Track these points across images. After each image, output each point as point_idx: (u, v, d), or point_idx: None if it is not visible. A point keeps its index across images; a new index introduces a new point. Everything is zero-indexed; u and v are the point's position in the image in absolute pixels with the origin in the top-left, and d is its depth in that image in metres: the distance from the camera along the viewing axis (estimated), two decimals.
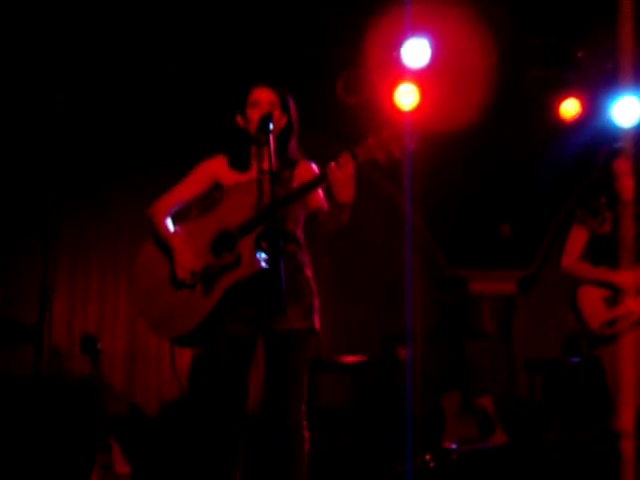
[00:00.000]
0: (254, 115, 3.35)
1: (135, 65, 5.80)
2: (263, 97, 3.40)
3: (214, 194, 3.47)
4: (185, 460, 5.36)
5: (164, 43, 5.67)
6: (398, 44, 5.82)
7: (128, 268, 6.06)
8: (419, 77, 6.00)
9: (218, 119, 6.01)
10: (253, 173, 3.36)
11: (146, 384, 6.12)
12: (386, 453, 5.43)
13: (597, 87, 6.28)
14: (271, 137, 3.18)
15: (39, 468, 4.35)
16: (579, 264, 4.47)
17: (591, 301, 4.38)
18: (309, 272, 3.40)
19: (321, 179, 3.16)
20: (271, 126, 3.22)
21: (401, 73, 5.98)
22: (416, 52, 5.80)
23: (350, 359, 5.68)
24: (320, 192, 3.33)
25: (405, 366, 6.07)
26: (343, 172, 3.06)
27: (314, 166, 3.44)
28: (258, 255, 3.17)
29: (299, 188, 3.25)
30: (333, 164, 3.08)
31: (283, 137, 3.41)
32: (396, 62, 5.90)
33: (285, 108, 3.43)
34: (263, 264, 3.16)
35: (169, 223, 3.45)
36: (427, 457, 4.30)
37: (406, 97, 6.00)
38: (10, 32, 5.36)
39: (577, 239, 4.51)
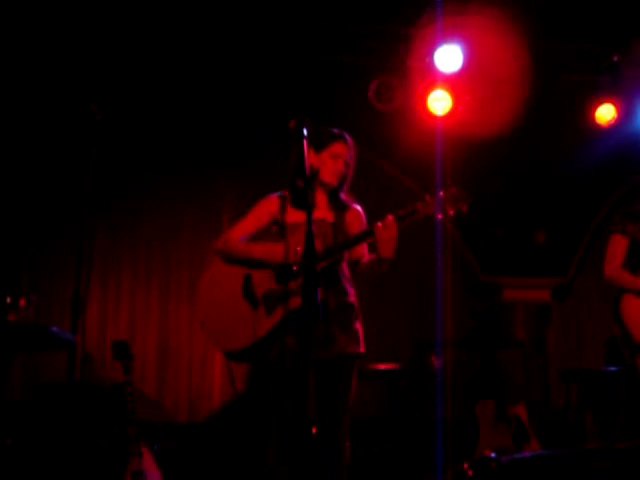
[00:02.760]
0: (331, 166, 3.67)
1: (166, 74, 5.84)
2: (344, 153, 3.70)
3: (272, 227, 3.75)
4: (216, 465, 5.36)
5: (195, 51, 5.69)
6: (431, 51, 5.79)
7: (162, 274, 6.17)
8: (452, 83, 5.98)
9: (242, 128, 6.09)
10: (316, 214, 3.55)
11: (177, 390, 6.12)
12: (419, 461, 5.39)
13: (633, 92, 6.21)
14: (305, 142, 3.21)
15: (72, 473, 4.35)
16: (622, 273, 4.41)
17: (635, 311, 4.32)
18: (356, 302, 3.67)
19: (368, 235, 3.44)
20: (305, 132, 3.23)
21: (434, 79, 5.96)
22: (449, 58, 5.77)
23: (383, 366, 5.65)
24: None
25: (438, 374, 6.04)
26: (388, 232, 3.36)
27: (361, 210, 3.79)
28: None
29: (349, 239, 3.57)
30: (380, 224, 3.37)
31: (340, 185, 3.73)
32: (429, 68, 5.88)
33: (350, 161, 3.74)
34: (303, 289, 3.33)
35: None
36: (465, 466, 4.24)
37: (439, 103, 5.97)
38: (45, 43, 5.42)
39: (618, 247, 4.45)
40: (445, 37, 5.69)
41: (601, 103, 6.22)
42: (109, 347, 5.03)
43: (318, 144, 3.67)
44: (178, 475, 5.25)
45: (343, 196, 3.76)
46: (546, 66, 5.96)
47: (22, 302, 4.70)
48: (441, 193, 3.43)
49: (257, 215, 3.77)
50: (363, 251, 3.68)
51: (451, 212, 3.43)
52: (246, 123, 6.20)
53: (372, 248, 3.52)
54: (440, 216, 3.42)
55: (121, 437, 4.75)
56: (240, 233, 3.74)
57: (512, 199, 6.73)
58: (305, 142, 3.20)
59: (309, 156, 3.64)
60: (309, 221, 3.02)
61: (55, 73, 5.61)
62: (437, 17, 5.55)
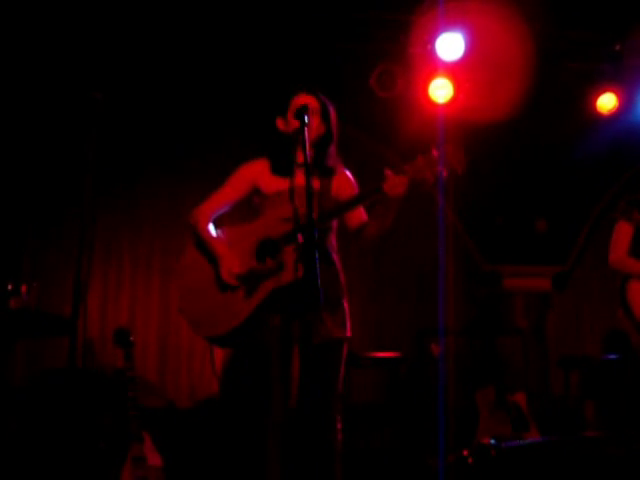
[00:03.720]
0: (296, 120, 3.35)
1: (170, 64, 5.83)
2: (308, 104, 3.40)
3: (253, 199, 3.55)
4: (216, 453, 5.37)
5: (199, 42, 5.69)
6: (432, 38, 5.78)
7: (163, 261, 6.17)
8: (453, 70, 5.97)
9: (249, 116, 6.08)
10: (295, 180, 3.35)
11: (178, 376, 6.13)
12: (420, 448, 5.41)
13: (634, 80, 6.21)
14: (306, 130, 3.16)
15: (72, 459, 4.37)
16: (627, 259, 4.44)
17: None
18: (342, 279, 3.47)
19: (375, 193, 3.21)
20: (306, 118, 3.20)
21: (435, 67, 5.95)
22: (450, 46, 5.76)
23: (383, 355, 5.66)
24: (360, 207, 3.41)
25: (438, 362, 6.05)
26: (398, 185, 3.15)
27: (350, 176, 3.53)
28: (300, 263, 3.20)
29: (352, 199, 3.32)
30: (390, 175, 3.15)
31: (322, 145, 3.46)
32: (430, 56, 5.87)
33: (325, 116, 3.48)
34: (304, 272, 3.17)
35: (211, 229, 3.51)
36: (465, 453, 4.25)
37: (440, 91, 5.97)
38: (48, 32, 5.41)
39: (623, 234, 4.48)
40: (446, 24, 5.68)
41: (603, 92, 6.22)
42: (110, 333, 5.04)
43: (282, 107, 3.46)
44: (179, 462, 5.27)
45: (330, 160, 3.48)
46: (548, 54, 5.95)
47: (23, 288, 4.72)
48: (434, 152, 3.17)
49: (234, 185, 3.56)
50: (362, 216, 3.45)
51: (445, 173, 3.17)
52: (248, 111, 6.19)
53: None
54: (430, 177, 3.16)
55: (122, 423, 4.76)
56: (213, 207, 3.54)
57: (513, 187, 6.73)
58: (307, 130, 3.15)
59: (281, 125, 3.44)
60: (310, 215, 2.92)
61: (56, 60, 5.60)
62: (438, 4, 5.53)
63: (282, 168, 3.45)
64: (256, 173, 3.52)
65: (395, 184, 3.15)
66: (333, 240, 3.47)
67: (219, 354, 5.90)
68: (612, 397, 5.58)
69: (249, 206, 3.57)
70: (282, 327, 3.32)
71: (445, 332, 6.22)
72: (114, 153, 5.67)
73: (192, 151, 6.30)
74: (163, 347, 6.13)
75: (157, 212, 6.25)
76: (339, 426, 3.36)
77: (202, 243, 3.48)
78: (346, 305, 3.46)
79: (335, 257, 3.47)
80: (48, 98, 5.75)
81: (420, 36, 5.83)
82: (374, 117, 6.04)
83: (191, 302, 3.47)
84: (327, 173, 3.47)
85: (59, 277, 5.73)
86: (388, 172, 3.18)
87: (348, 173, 3.55)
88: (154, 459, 4.65)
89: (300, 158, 3.34)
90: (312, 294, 2.91)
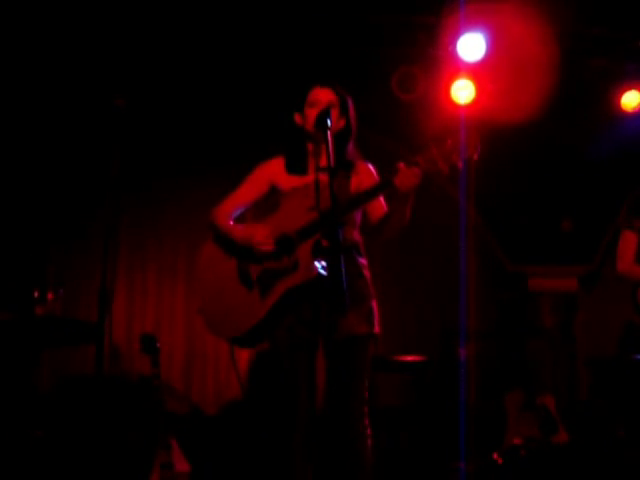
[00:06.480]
0: (313, 114, 3.33)
1: (190, 68, 5.85)
2: (322, 97, 3.40)
3: (271, 197, 3.51)
4: (243, 458, 5.37)
5: (218, 46, 5.70)
6: (454, 39, 5.75)
7: (188, 267, 6.17)
8: (475, 71, 5.94)
9: (271, 121, 6.09)
10: (311, 177, 3.30)
11: (204, 383, 6.14)
12: (446, 452, 5.38)
13: None
14: (329, 133, 3.14)
15: (100, 466, 4.39)
16: (635, 267, 4.42)
17: None
18: (367, 275, 3.41)
19: (385, 186, 3.14)
20: (329, 122, 3.17)
21: (457, 68, 5.92)
22: (472, 46, 5.73)
23: (410, 358, 5.64)
24: (381, 198, 3.33)
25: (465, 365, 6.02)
26: (410, 177, 3.05)
27: (372, 168, 3.47)
28: (315, 261, 3.17)
29: (362, 194, 3.22)
30: (402, 167, 3.06)
31: (341, 139, 3.39)
32: (452, 57, 5.84)
33: (344, 109, 3.44)
34: (320, 270, 3.15)
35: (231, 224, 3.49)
36: (494, 454, 4.23)
37: (462, 92, 5.94)
38: (70, 37, 5.45)
39: (628, 242, 4.47)
40: (468, 25, 5.65)
41: (627, 89, 6.17)
42: (136, 340, 5.05)
43: (299, 103, 3.43)
44: (206, 468, 5.27)
45: (349, 155, 3.41)
46: (570, 52, 5.90)
47: (49, 296, 4.75)
48: (448, 141, 3.01)
49: (251, 184, 3.53)
50: (383, 207, 3.35)
51: (460, 163, 3.02)
52: (270, 116, 6.19)
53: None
54: (444, 168, 3.01)
55: (149, 429, 4.78)
56: (231, 206, 3.52)
57: (538, 187, 6.68)
58: (329, 133, 3.12)
59: (298, 120, 3.43)
60: (333, 216, 2.92)
61: (79, 66, 5.64)
62: (460, 5, 5.51)
63: (297, 168, 3.44)
64: (273, 172, 3.50)
65: (407, 177, 3.06)
66: (356, 235, 3.40)
67: (244, 358, 5.91)
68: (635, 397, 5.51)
69: (267, 205, 3.53)
70: (303, 328, 3.28)
71: (470, 334, 6.18)
72: (137, 159, 5.70)
73: (215, 156, 6.30)
74: (189, 353, 6.13)
75: (181, 218, 6.26)
76: (368, 432, 3.28)
77: (222, 237, 3.47)
78: (373, 300, 3.38)
79: (359, 252, 3.39)
80: (71, 107, 5.79)
81: (441, 37, 5.81)
82: (395, 120, 6.02)
83: (209, 302, 3.48)
84: (346, 169, 3.38)
85: (85, 284, 5.76)
86: (400, 165, 3.10)
87: (369, 165, 3.48)
88: (181, 465, 4.65)
89: (322, 161, 3.27)
90: (337, 294, 2.87)
